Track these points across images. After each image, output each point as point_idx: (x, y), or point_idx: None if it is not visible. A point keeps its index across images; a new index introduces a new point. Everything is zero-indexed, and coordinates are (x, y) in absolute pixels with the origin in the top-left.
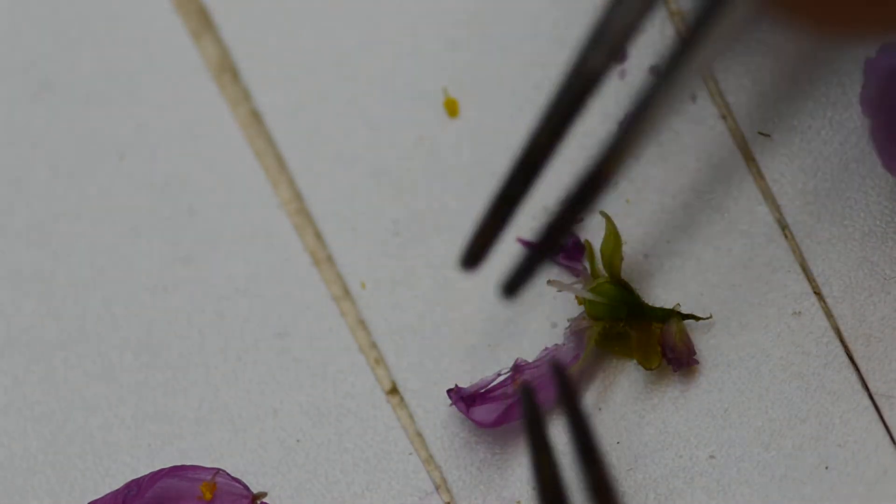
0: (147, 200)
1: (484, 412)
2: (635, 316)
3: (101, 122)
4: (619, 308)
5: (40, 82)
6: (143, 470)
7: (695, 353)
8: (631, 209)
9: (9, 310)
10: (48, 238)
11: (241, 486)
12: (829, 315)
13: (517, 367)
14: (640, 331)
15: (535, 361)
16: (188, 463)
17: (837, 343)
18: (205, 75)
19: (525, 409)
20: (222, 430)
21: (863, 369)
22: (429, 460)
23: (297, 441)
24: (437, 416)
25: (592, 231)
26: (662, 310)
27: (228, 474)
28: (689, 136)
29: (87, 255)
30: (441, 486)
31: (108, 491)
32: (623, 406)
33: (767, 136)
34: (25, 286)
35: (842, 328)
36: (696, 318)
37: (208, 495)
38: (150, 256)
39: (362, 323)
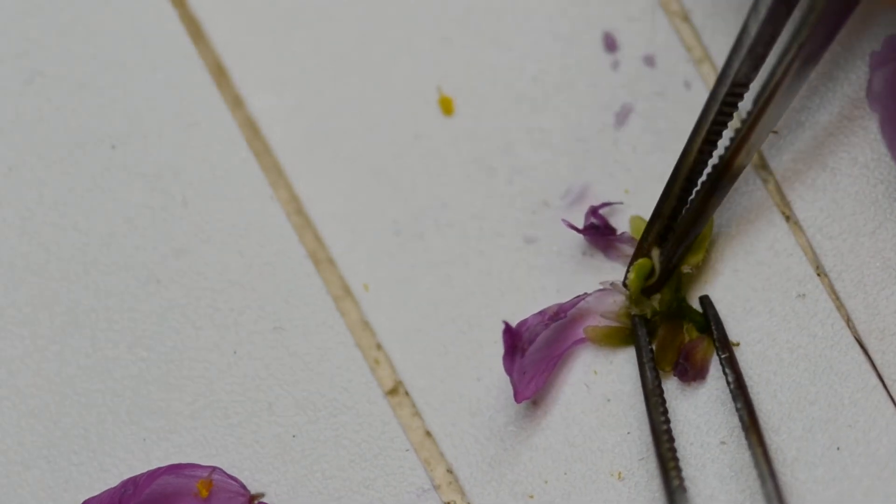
0: (140, 191)
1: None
2: (671, 316)
3: (93, 111)
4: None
5: (32, 70)
6: (139, 465)
7: (705, 375)
8: (630, 199)
9: (1, 302)
10: (40, 229)
11: (237, 484)
12: (833, 296)
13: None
14: (669, 330)
15: (569, 302)
16: (183, 458)
17: (843, 324)
18: (198, 64)
19: (637, 343)
20: (217, 425)
21: (878, 363)
22: (429, 459)
23: (294, 437)
24: (446, 413)
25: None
26: (704, 321)
27: (225, 472)
28: (688, 124)
29: (80, 246)
30: (441, 484)
31: (103, 487)
32: (632, 396)
33: (775, 132)
34: (18, 278)
35: (855, 322)
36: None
37: (205, 493)
38: (143, 248)
39: (366, 324)
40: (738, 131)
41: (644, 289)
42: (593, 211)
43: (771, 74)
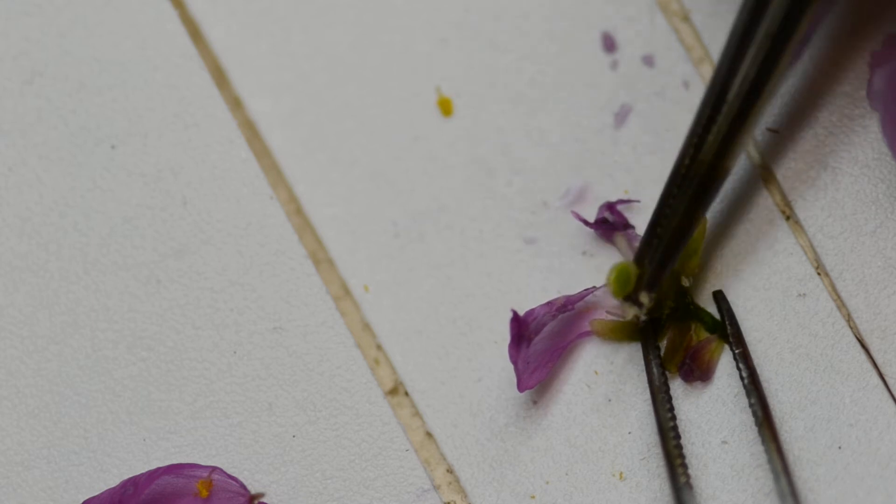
0: (140, 191)
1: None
2: (680, 317)
3: (93, 111)
4: (667, 304)
5: (32, 70)
6: (139, 465)
7: (710, 376)
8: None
9: (1, 302)
10: (40, 229)
11: (237, 484)
12: (834, 295)
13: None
14: (678, 331)
15: (577, 294)
16: (183, 458)
17: (844, 323)
18: (198, 65)
19: (644, 339)
20: (217, 426)
21: (879, 362)
22: (429, 459)
23: (293, 437)
24: (447, 415)
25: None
26: (713, 321)
27: (225, 472)
28: (687, 125)
29: (80, 246)
30: (441, 484)
31: (103, 487)
32: (633, 396)
33: (776, 132)
34: (17, 278)
35: (856, 321)
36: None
37: (205, 493)
38: (143, 248)
39: (367, 325)
40: (719, 132)
41: (631, 294)
42: (610, 206)
43: (745, 75)
